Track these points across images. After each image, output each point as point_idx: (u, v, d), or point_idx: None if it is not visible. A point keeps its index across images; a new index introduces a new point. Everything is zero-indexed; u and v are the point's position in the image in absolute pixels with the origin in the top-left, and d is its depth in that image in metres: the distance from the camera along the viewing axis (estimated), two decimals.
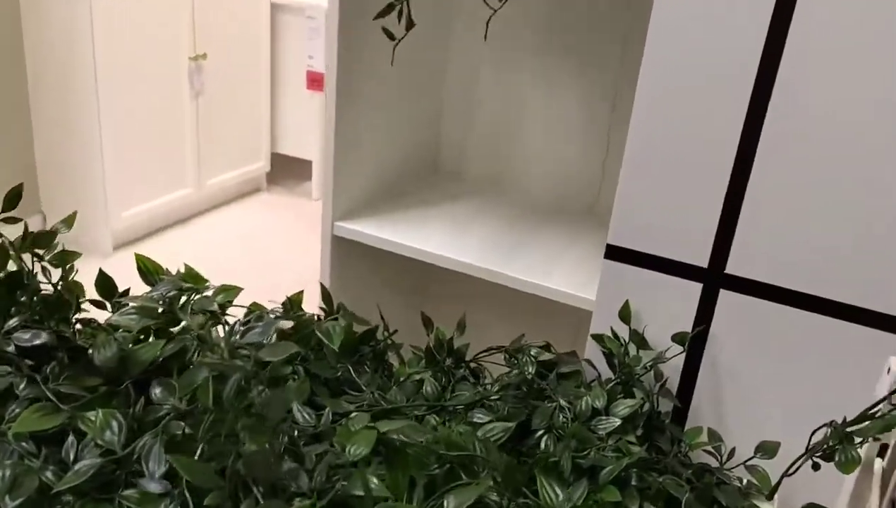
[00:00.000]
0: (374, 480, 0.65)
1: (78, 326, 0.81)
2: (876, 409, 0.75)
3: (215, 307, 0.76)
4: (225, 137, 3.10)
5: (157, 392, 0.71)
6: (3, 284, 0.79)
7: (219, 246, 2.92)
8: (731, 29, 0.88)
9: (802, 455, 0.79)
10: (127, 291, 0.85)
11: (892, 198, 0.87)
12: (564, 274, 1.15)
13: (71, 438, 0.66)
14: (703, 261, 0.96)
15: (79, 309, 0.82)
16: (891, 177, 0.86)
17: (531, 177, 1.48)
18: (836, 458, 0.73)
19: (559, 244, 1.26)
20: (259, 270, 2.75)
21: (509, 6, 1.39)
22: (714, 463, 0.93)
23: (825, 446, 0.76)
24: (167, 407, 0.69)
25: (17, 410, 0.69)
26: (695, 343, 1.00)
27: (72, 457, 0.66)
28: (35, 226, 2.69)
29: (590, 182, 1.43)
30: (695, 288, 0.98)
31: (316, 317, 0.94)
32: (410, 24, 1.04)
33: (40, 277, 0.81)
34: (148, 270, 0.84)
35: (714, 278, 0.96)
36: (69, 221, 0.85)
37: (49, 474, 0.64)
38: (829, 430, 0.76)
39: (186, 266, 0.88)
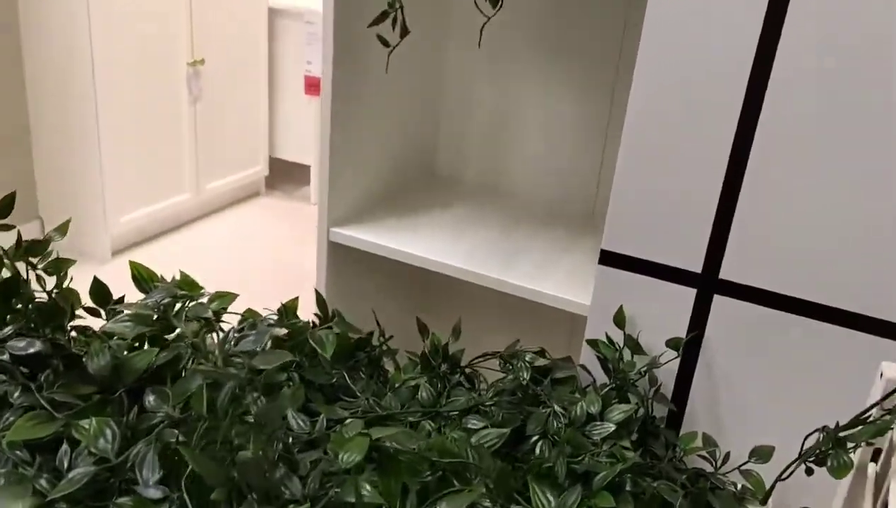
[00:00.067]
0: (367, 487, 0.65)
1: (73, 334, 0.81)
2: (868, 414, 0.75)
3: (210, 314, 0.77)
4: (223, 142, 3.11)
5: (150, 400, 0.71)
6: None
7: (217, 250, 2.93)
8: (724, 30, 0.88)
9: (795, 461, 0.79)
10: (122, 299, 0.85)
11: (886, 203, 0.87)
12: (560, 279, 1.16)
13: (65, 446, 0.67)
14: (696, 267, 0.97)
15: (73, 317, 0.82)
16: (885, 181, 0.87)
17: (528, 182, 1.48)
18: (829, 463, 0.73)
19: (556, 249, 1.26)
20: (258, 274, 2.75)
21: (504, 12, 1.40)
22: (709, 468, 0.93)
23: (818, 451, 0.76)
24: (161, 414, 0.69)
25: (12, 419, 0.69)
26: (689, 348, 1.00)
27: (66, 465, 0.66)
28: (33, 231, 2.69)
29: (587, 187, 1.43)
30: (689, 294, 0.98)
31: (311, 324, 0.95)
32: (405, 32, 1.04)
33: (35, 285, 0.81)
34: (142, 277, 0.84)
35: (708, 283, 0.97)
36: (63, 229, 0.85)
37: (43, 482, 0.64)
38: (822, 435, 0.76)
39: (182, 272, 0.88)
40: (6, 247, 0.81)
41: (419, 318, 1.06)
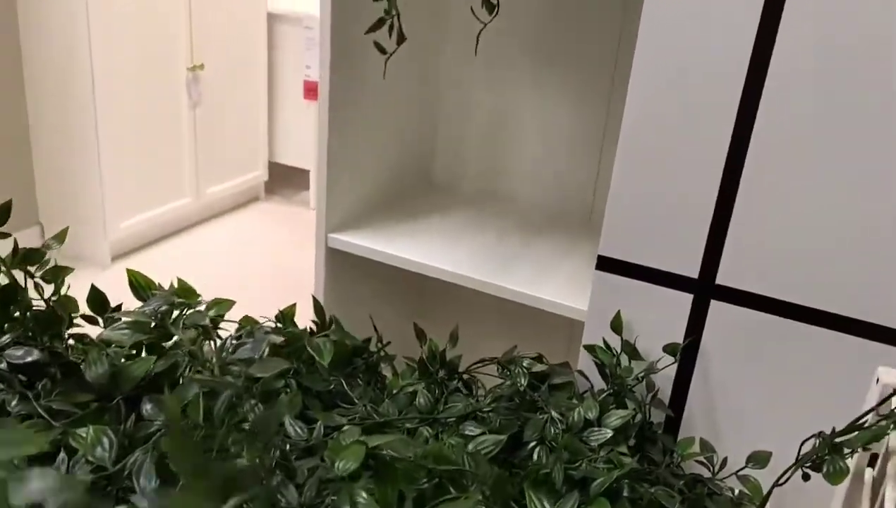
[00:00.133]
0: (363, 495, 0.65)
1: (70, 342, 0.81)
2: (864, 420, 0.75)
3: (207, 322, 0.77)
4: (223, 147, 3.11)
5: (147, 408, 0.71)
6: None
7: (217, 255, 2.93)
8: (720, 36, 0.89)
9: (792, 466, 0.79)
10: (119, 306, 0.85)
11: (882, 207, 0.87)
12: (558, 284, 1.16)
13: (62, 454, 0.67)
14: (693, 272, 0.97)
15: (71, 324, 0.82)
16: (882, 185, 0.87)
17: (525, 187, 1.48)
18: (825, 469, 0.73)
19: (554, 254, 1.26)
20: (258, 279, 2.76)
21: (501, 19, 1.40)
22: (706, 474, 0.93)
23: (814, 457, 0.76)
24: (158, 423, 0.69)
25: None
26: (686, 353, 1.00)
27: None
28: (33, 236, 2.69)
29: (584, 192, 1.43)
30: (685, 299, 0.98)
31: (308, 331, 0.95)
32: (401, 39, 1.04)
33: (32, 293, 0.81)
34: (140, 285, 0.84)
35: (705, 289, 0.97)
36: (61, 237, 0.85)
37: None
38: (818, 441, 0.76)
39: (179, 280, 0.88)
40: (4, 255, 0.81)
41: (416, 324, 1.06)
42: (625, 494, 0.82)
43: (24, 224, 2.65)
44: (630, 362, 1.00)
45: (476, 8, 1.11)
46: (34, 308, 0.80)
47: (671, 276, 0.98)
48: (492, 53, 1.44)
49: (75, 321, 0.82)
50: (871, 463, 0.79)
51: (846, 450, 0.75)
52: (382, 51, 1.06)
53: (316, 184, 1.20)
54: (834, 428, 0.77)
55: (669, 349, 0.99)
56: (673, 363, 1.00)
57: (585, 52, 1.36)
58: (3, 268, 0.81)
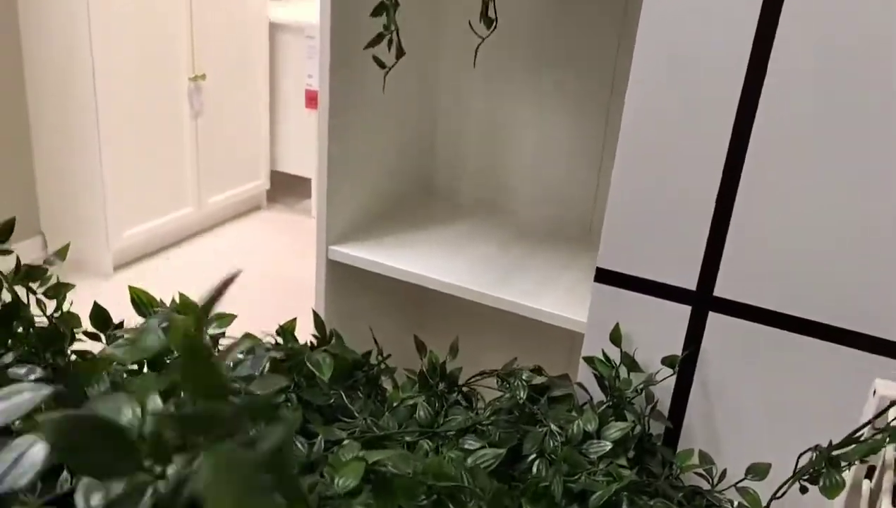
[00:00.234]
0: None
1: (73, 358, 0.82)
2: (860, 433, 0.75)
3: (207, 339, 0.77)
4: (225, 156, 3.12)
5: None
6: None
7: (219, 265, 2.94)
8: (719, 43, 0.89)
9: (790, 479, 0.80)
10: (122, 324, 0.86)
11: (879, 222, 0.88)
12: (558, 296, 1.16)
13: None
14: (691, 284, 0.97)
15: (74, 340, 0.83)
16: (878, 200, 0.87)
17: (525, 198, 1.49)
18: (821, 483, 0.74)
19: (554, 266, 1.27)
20: (260, 288, 2.76)
21: (499, 30, 1.41)
22: (705, 486, 0.93)
23: (811, 470, 0.76)
24: None
25: None
26: (685, 365, 1.01)
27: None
28: (35, 247, 2.70)
29: (584, 203, 1.44)
30: (684, 311, 0.99)
31: (309, 345, 0.95)
32: (400, 53, 1.05)
33: (34, 309, 0.82)
34: (142, 302, 0.85)
35: (702, 301, 0.97)
36: (62, 253, 0.86)
37: None
38: (815, 454, 0.76)
39: (181, 295, 0.89)
40: (6, 271, 0.82)
41: (417, 336, 1.06)
42: (624, 506, 0.83)
43: (26, 235, 2.66)
44: (629, 374, 1.01)
45: (474, 23, 1.11)
46: (37, 324, 0.81)
47: (669, 288, 0.99)
48: (491, 64, 1.44)
49: (78, 337, 0.83)
50: (869, 475, 0.79)
51: (843, 463, 0.75)
52: (381, 65, 1.06)
53: (317, 192, 1.20)
54: (831, 441, 0.78)
55: (668, 361, 0.99)
56: (672, 375, 1.01)
57: (584, 63, 1.36)
58: (5, 285, 0.82)
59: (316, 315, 1.00)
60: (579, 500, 0.82)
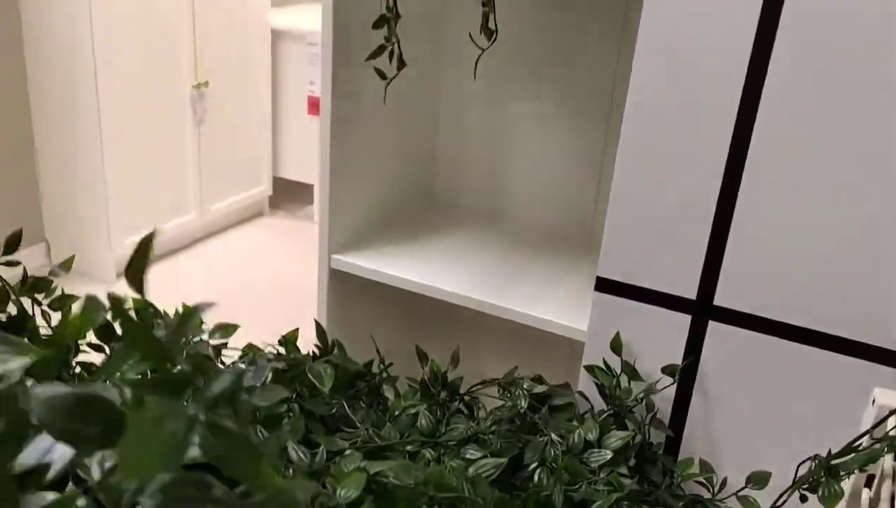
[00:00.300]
0: None
1: (77, 370, 0.82)
2: (859, 442, 0.76)
3: (210, 351, 0.78)
4: (227, 163, 3.13)
5: None
6: (5, 328, 0.80)
7: (222, 271, 2.95)
8: (718, 48, 0.90)
9: (789, 488, 0.80)
10: None
11: (877, 232, 0.88)
12: (558, 304, 1.17)
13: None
14: (691, 293, 0.98)
15: (78, 352, 0.83)
16: (878, 209, 0.88)
17: (525, 206, 1.50)
18: (820, 492, 0.74)
19: (554, 273, 1.28)
20: (263, 295, 2.77)
21: (500, 37, 1.41)
22: (706, 494, 0.94)
23: (811, 479, 0.77)
24: None
25: None
26: (685, 373, 1.01)
27: None
28: (39, 254, 2.71)
29: (585, 211, 1.44)
30: (684, 320, 0.99)
31: (311, 355, 0.96)
32: (402, 64, 1.06)
33: (39, 320, 0.82)
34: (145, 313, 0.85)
35: (702, 310, 0.98)
36: (67, 265, 0.87)
37: None
38: (814, 463, 0.77)
39: (184, 306, 0.89)
40: (11, 281, 0.83)
41: (418, 346, 1.07)
42: None
43: (29, 242, 2.67)
44: (630, 383, 1.01)
45: (474, 34, 1.12)
46: (41, 336, 0.81)
47: (669, 297, 0.99)
48: (491, 72, 1.45)
49: (82, 349, 0.83)
50: (868, 484, 0.80)
51: (842, 473, 0.76)
52: (383, 76, 1.07)
53: (319, 199, 1.21)
54: (830, 451, 0.78)
55: (668, 370, 1.00)
56: (672, 384, 1.01)
57: (584, 71, 1.37)
58: (12, 297, 0.82)
59: (318, 325, 1.01)
60: None
